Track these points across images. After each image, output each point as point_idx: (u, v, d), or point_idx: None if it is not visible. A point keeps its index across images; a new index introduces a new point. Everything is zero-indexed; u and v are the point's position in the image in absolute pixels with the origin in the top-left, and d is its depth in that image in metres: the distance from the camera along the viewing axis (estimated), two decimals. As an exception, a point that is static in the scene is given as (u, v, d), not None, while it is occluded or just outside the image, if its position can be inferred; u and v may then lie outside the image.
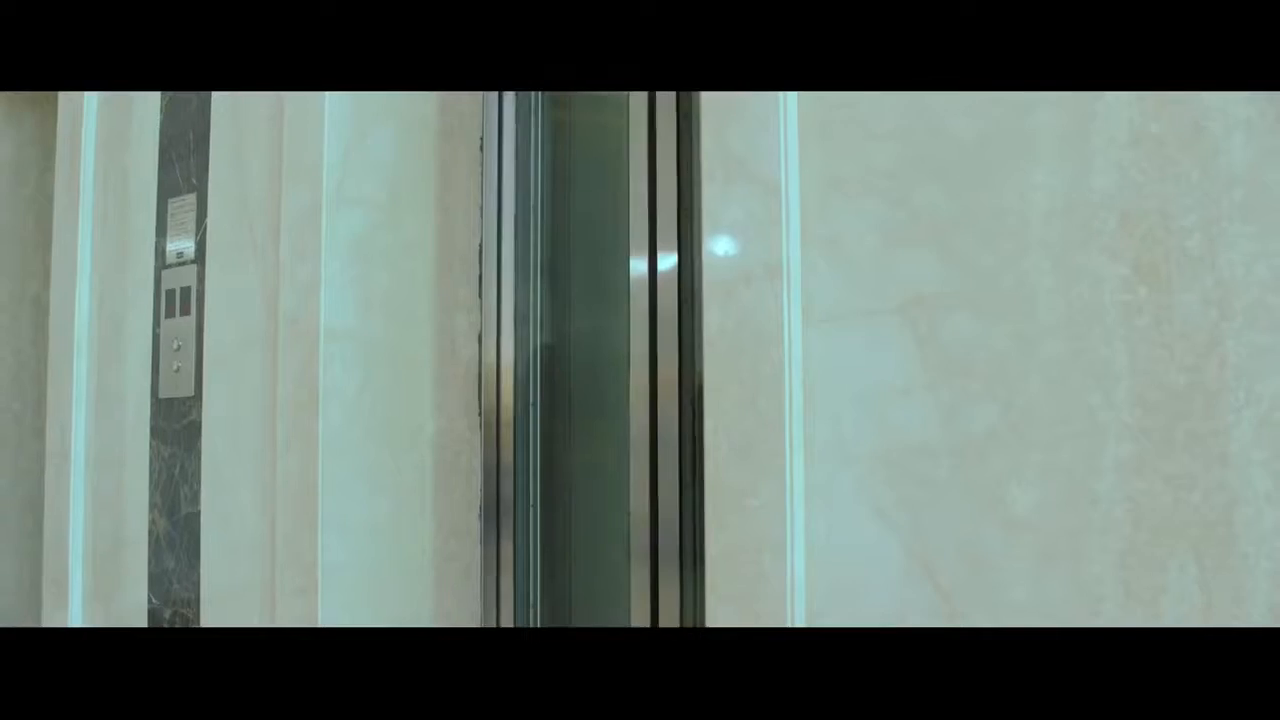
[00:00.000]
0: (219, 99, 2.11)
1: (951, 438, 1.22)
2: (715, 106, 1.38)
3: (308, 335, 1.84)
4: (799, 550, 1.30)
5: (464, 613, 1.99)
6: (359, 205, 1.89)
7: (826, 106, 1.31)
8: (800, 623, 1.29)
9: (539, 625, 2.00)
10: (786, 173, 1.31)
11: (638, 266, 1.73)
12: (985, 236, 1.21)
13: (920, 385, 1.24)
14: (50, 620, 2.36)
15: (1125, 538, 1.12)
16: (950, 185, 1.23)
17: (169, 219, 2.20)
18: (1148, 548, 1.10)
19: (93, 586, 2.30)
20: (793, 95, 1.33)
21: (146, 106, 2.28)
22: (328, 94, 1.85)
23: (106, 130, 2.37)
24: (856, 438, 1.28)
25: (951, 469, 1.22)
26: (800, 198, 1.31)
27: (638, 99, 1.77)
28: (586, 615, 1.99)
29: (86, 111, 2.39)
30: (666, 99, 1.72)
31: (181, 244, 2.16)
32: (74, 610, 2.32)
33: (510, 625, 1.99)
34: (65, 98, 2.46)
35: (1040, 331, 1.17)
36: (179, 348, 2.14)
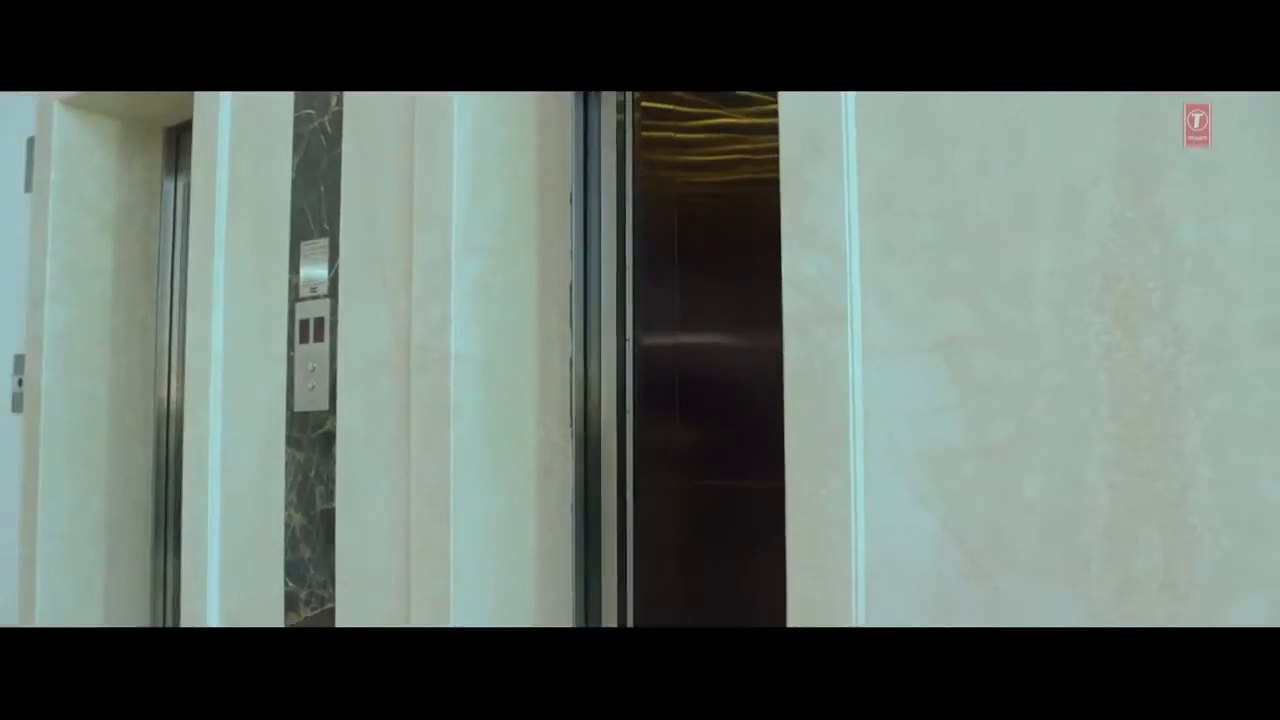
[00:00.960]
0: (349, 161, 2.51)
1: (976, 443, 1.63)
2: (791, 187, 1.79)
3: (439, 361, 2.24)
4: (860, 528, 1.70)
5: (558, 595, 2.39)
6: (479, 253, 2.30)
7: (881, 190, 1.72)
8: (861, 583, 1.69)
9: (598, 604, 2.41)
10: (849, 241, 1.72)
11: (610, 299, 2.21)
12: (1003, 292, 1.62)
13: (952, 404, 1.65)
14: (191, 604, 2.74)
15: (1107, 515, 1.52)
16: (976, 253, 1.64)
17: (302, 259, 2.59)
18: (1124, 522, 1.51)
19: (232, 574, 2.69)
20: (854, 178, 1.74)
21: (277, 163, 2.67)
22: (455, 158, 2.25)
23: (240, 181, 2.77)
24: (904, 443, 1.68)
25: (977, 466, 1.63)
26: (860, 260, 1.72)
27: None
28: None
29: (219, 163, 2.78)
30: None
31: (315, 280, 2.56)
32: (212, 596, 2.71)
33: (581, 601, 2.41)
34: (199, 150, 2.85)
35: (1043, 364, 1.58)
36: (314, 369, 2.53)
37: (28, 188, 3.52)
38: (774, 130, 1.85)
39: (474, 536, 2.25)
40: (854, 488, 1.71)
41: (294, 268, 2.62)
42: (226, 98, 2.80)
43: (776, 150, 1.83)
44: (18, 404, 3.47)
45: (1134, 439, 1.51)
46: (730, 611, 2.76)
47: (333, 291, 2.53)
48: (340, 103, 2.55)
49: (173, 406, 3.58)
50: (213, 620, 2.70)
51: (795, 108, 1.80)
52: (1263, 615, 1.42)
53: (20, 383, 3.46)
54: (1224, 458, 1.45)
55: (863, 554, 1.70)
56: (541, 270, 2.42)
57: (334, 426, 2.49)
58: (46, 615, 3.25)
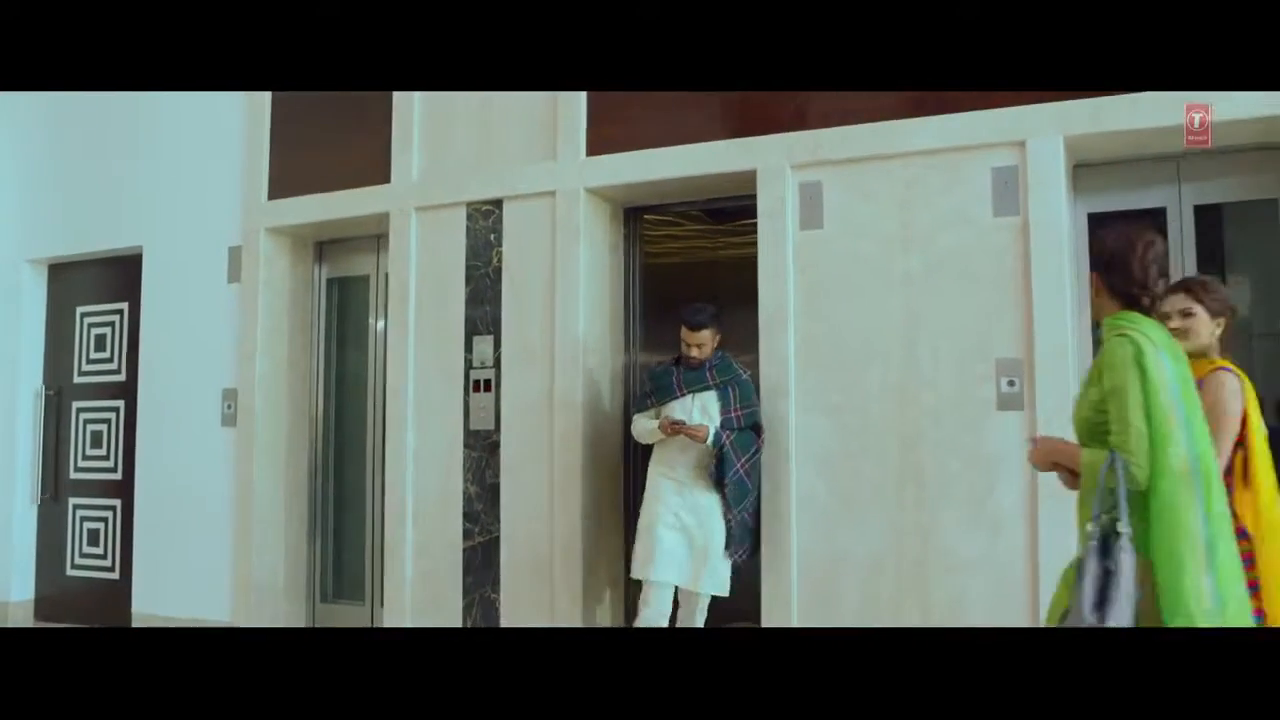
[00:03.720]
0: (506, 295, 4.63)
1: (843, 451, 3.96)
2: (766, 335, 4.07)
3: (573, 407, 4.42)
4: (794, 488, 4.00)
5: (615, 518, 4.60)
6: (590, 351, 4.49)
7: (804, 341, 4.02)
8: (795, 511, 3.97)
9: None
10: (790, 361, 4.02)
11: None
12: (858, 390, 3.96)
13: (832, 434, 3.98)
14: (393, 538, 4.78)
15: (896, 478, 3.88)
16: (846, 375, 3.97)
17: (474, 346, 4.70)
18: (901, 481, 3.87)
19: (423, 520, 4.75)
20: (793, 335, 4.02)
21: (455, 292, 4.76)
22: (579, 302, 4.42)
23: (424, 300, 4.84)
24: (813, 450, 4.00)
25: (843, 461, 3.95)
26: (795, 370, 4.02)
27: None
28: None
29: (410, 290, 4.85)
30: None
31: (484, 358, 4.66)
32: (408, 533, 4.75)
33: (621, 516, 4.62)
34: (395, 278, 4.90)
35: (874, 418, 3.92)
36: (483, 407, 4.64)
37: (230, 279, 5.43)
38: (699, 235, 4.18)
39: (587, 492, 4.44)
40: (791, 473, 4.01)
41: (468, 349, 4.72)
42: (415, 252, 4.87)
43: (699, 246, 4.12)
44: (227, 421, 5.37)
45: (906, 448, 3.86)
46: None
47: (496, 364, 4.65)
48: (500, 260, 4.68)
49: (319, 424, 5.55)
50: (408, 546, 4.75)
51: (769, 299, 4.08)
52: (957, 517, 3.76)
53: (229, 406, 5.38)
54: (938, 455, 3.82)
55: (795, 498, 4.01)
56: (612, 357, 4.64)
57: (499, 438, 4.61)
58: (259, 556, 5.19)
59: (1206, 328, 2.78)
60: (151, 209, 5.73)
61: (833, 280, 4.05)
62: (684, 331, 4.03)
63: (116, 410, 5.95)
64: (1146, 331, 2.30)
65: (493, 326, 4.69)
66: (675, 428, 3.94)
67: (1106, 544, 2.14)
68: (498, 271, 4.70)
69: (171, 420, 5.56)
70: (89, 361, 6.10)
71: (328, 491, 5.57)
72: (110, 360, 6.01)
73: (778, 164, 4.14)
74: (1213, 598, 2.12)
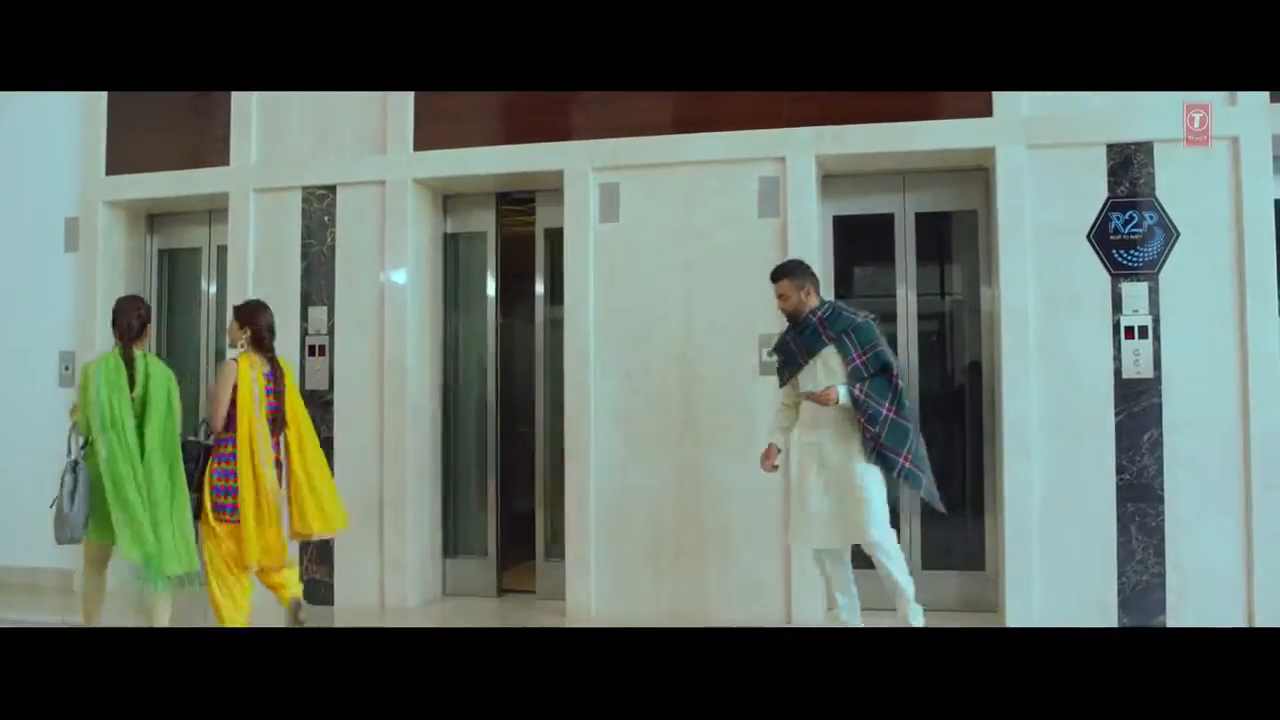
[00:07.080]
0: (340, 269, 5.20)
1: (634, 406, 4.77)
2: (570, 325, 4.82)
3: (399, 368, 5.05)
4: (592, 441, 4.78)
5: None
6: (414, 309, 5.12)
7: (605, 332, 4.80)
8: (593, 466, 4.75)
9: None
10: (590, 347, 4.79)
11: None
12: (649, 359, 4.76)
13: (627, 393, 4.78)
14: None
15: (679, 433, 4.70)
16: (640, 348, 4.77)
17: (309, 315, 5.24)
18: (689, 434, 4.70)
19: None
20: (593, 319, 4.79)
21: (292, 267, 5.29)
22: (408, 271, 5.06)
23: (264, 277, 5.34)
24: (609, 406, 4.79)
25: (636, 415, 4.77)
26: (595, 335, 4.80)
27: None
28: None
29: (249, 267, 5.34)
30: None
31: (319, 326, 5.21)
32: (246, 482, 5.28)
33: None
34: (234, 257, 5.38)
35: (662, 380, 4.74)
36: (319, 369, 5.20)
37: (68, 248, 5.76)
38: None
39: (412, 445, 5.09)
40: (590, 421, 4.79)
41: (304, 318, 5.26)
42: (253, 230, 5.36)
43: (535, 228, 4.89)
44: (65, 382, 5.70)
45: (686, 404, 4.70)
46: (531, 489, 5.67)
47: (330, 331, 5.22)
48: (334, 239, 5.24)
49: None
50: (247, 495, 5.27)
51: (573, 279, 4.82)
52: (726, 459, 4.62)
53: (66, 368, 5.71)
54: (711, 410, 4.68)
55: (594, 444, 4.79)
56: (433, 322, 5.29)
57: (332, 397, 5.19)
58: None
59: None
60: (-21, 178, 5.96)
61: (627, 265, 4.84)
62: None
63: (-58, 371, 6.14)
64: (104, 359, 4.04)
65: (326, 298, 5.25)
66: (808, 398, 3.88)
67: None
68: (332, 249, 5.26)
69: (4, 380, 5.83)
70: (-92, 323, 6.25)
71: (161, 447, 5.98)
72: (-66, 322, 6.19)
73: (582, 167, 4.89)
74: (167, 481, 3.99)
